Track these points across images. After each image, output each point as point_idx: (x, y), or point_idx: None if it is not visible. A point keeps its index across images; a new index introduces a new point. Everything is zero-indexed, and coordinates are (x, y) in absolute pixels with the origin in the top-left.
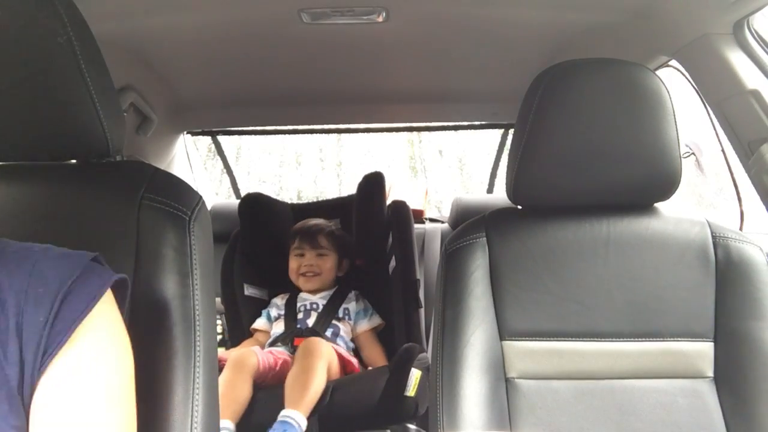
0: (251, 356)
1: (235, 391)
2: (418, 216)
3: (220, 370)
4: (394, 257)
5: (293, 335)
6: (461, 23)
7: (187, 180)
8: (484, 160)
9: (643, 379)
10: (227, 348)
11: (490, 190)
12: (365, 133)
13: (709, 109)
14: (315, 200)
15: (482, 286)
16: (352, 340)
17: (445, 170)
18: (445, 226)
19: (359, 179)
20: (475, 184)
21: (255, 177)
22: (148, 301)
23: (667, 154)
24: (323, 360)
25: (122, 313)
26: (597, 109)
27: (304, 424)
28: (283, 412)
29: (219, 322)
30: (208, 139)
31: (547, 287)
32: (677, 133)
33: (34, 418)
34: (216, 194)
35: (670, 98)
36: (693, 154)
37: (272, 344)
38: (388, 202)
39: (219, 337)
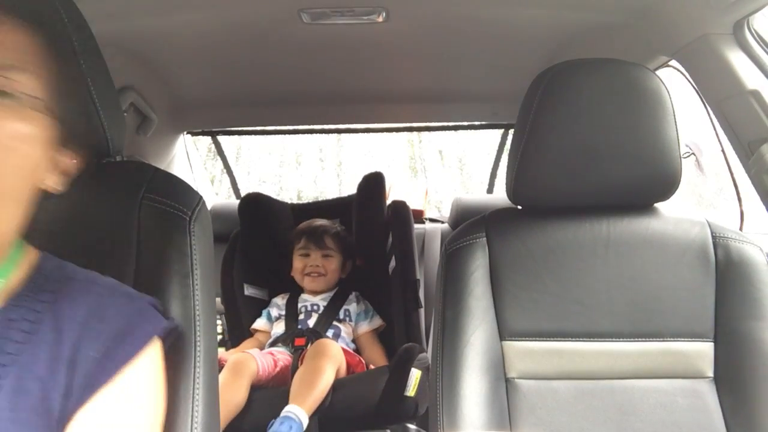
0: (251, 361)
1: (228, 395)
2: (418, 216)
3: (220, 370)
4: (394, 257)
5: (294, 336)
6: (461, 23)
7: (187, 180)
8: (484, 160)
9: (643, 379)
10: (227, 348)
11: (490, 190)
12: (365, 133)
13: (709, 109)
14: (315, 200)
15: (482, 286)
16: (353, 341)
17: (446, 170)
18: (445, 226)
19: (359, 179)
20: (475, 184)
21: (255, 177)
22: None
23: (667, 154)
24: (333, 362)
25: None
26: (597, 109)
27: (306, 421)
28: (287, 408)
29: (219, 322)
30: (208, 139)
31: (547, 287)
32: (677, 133)
33: None
34: (216, 194)
35: (670, 98)
36: (693, 154)
37: (273, 344)
38: (388, 202)
39: (219, 337)
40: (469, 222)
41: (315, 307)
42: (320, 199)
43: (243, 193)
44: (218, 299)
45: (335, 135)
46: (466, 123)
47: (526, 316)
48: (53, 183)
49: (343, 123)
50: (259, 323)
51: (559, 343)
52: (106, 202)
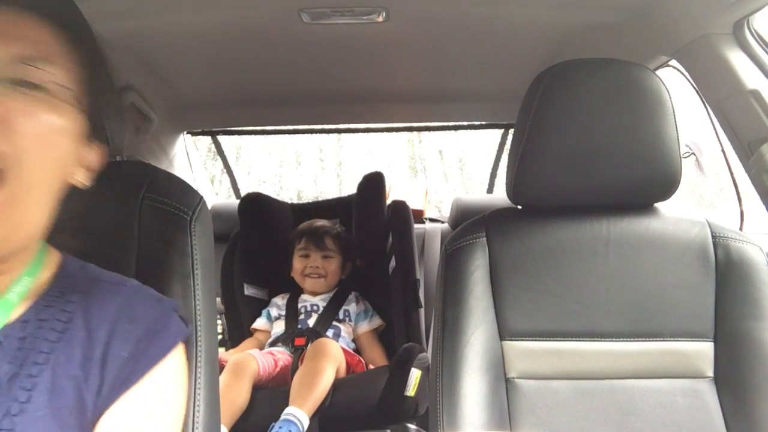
0: (251, 361)
1: (231, 396)
2: (418, 216)
3: (220, 371)
4: (394, 257)
5: (294, 335)
6: (461, 23)
7: (187, 180)
8: (484, 160)
9: (643, 379)
10: (227, 348)
11: (490, 190)
12: (365, 133)
13: (709, 109)
14: (315, 200)
15: (482, 286)
16: (353, 341)
17: (446, 170)
18: (445, 226)
19: (359, 179)
20: (475, 184)
21: (255, 177)
22: None
23: (667, 154)
24: (332, 362)
25: None
26: (597, 109)
27: (306, 423)
28: (287, 410)
29: (219, 322)
30: (208, 139)
31: (547, 287)
32: (677, 133)
33: None
34: (216, 194)
35: (670, 98)
36: (693, 154)
37: (273, 344)
38: (388, 202)
39: (219, 337)
40: (469, 222)
41: (315, 307)
42: (320, 199)
43: (243, 193)
44: (218, 299)
45: (335, 135)
46: (466, 123)
47: (526, 316)
48: (82, 177)
49: (343, 123)
50: (259, 323)
51: (559, 343)
52: (107, 203)
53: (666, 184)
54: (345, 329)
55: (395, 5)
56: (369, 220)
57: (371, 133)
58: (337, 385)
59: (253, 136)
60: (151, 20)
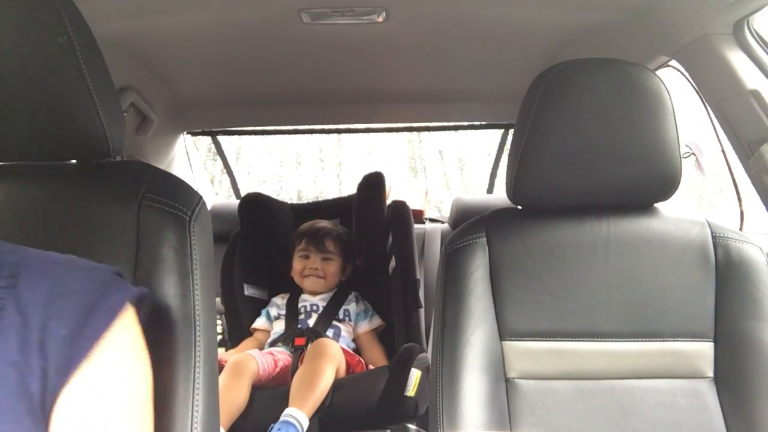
0: (251, 361)
1: (230, 396)
2: (418, 216)
3: (220, 371)
4: (394, 257)
5: (294, 335)
6: (461, 23)
7: (187, 180)
8: (484, 160)
9: (643, 379)
10: (227, 348)
11: (490, 190)
12: (365, 133)
13: (709, 109)
14: (315, 200)
15: (482, 286)
16: (353, 340)
17: (446, 170)
18: (445, 226)
19: (359, 179)
20: (475, 184)
21: (255, 177)
22: None
23: (667, 154)
24: (332, 362)
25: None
26: (597, 109)
27: (306, 424)
28: (286, 411)
29: (219, 322)
30: (208, 139)
31: (547, 287)
32: (677, 133)
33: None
34: (216, 194)
35: (670, 98)
36: (693, 154)
37: (273, 344)
38: (388, 202)
39: (219, 337)
40: (469, 222)
41: (314, 307)
42: (320, 199)
43: (243, 193)
44: (218, 299)
45: (335, 135)
46: (466, 123)
47: (526, 316)
48: None
49: (343, 123)
50: (259, 322)
51: (559, 343)
52: (106, 202)
53: (666, 184)
54: (345, 329)
55: (395, 5)
56: (369, 220)
57: (371, 133)
58: (337, 385)
59: (253, 136)
60: (151, 20)
